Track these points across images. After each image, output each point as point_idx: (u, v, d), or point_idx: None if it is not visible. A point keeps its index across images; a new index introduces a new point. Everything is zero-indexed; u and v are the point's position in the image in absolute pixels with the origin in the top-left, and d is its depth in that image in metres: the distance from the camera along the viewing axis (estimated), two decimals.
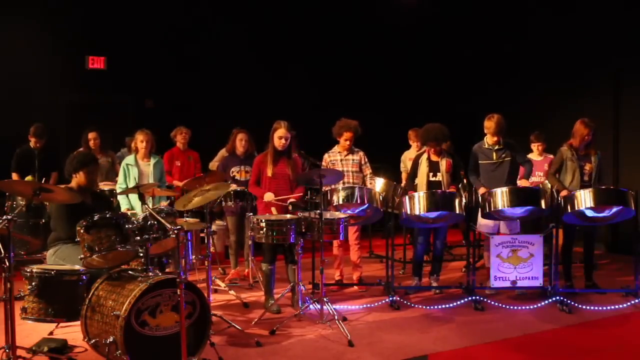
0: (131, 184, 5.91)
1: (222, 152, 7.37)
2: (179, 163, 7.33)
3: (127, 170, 6.04)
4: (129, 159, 6.16)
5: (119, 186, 6.05)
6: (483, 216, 5.83)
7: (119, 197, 5.91)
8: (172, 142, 7.48)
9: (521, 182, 5.88)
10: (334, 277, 6.31)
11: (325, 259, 5.16)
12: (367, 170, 6.18)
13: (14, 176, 7.09)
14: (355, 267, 6.30)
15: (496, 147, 5.94)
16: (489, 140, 5.99)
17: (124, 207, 5.81)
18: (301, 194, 5.61)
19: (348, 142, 6.07)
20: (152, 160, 6.17)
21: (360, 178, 6.13)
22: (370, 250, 8.11)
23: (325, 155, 6.20)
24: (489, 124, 5.90)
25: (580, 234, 6.20)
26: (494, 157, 5.95)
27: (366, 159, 6.19)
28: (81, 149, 7.09)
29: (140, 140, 6.14)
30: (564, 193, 5.68)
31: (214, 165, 7.40)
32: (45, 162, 7.22)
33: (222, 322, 4.80)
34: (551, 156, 7.07)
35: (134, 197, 5.76)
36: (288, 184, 5.51)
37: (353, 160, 6.12)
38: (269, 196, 5.40)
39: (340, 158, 6.13)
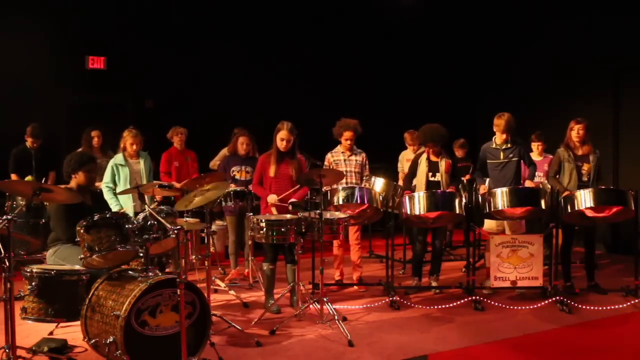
0: (121, 184, 5.88)
1: (224, 151, 7.36)
2: (177, 164, 7.33)
3: (117, 170, 5.95)
4: (118, 158, 6.05)
5: (106, 185, 5.89)
6: (485, 216, 5.83)
7: (108, 198, 5.77)
8: (169, 142, 7.48)
9: (527, 183, 5.85)
10: (334, 277, 6.31)
11: (325, 259, 5.16)
12: (365, 172, 6.23)
13: (13, 177, 7.07)
14: (356, 267, 6.31)
15: (504, 147, 5.94)
16: (497, 139, 5.98)
17: (115, 209, 5.67)
18: (306, 192, 5.62)
19: (349, 142, 6.08)
20: (141, 158, 6.14)
21: (361, 179, 6.17)
22: (370, 250, 8.11)
23: (328, 155, 6.20)
24: (499, 122, 5.90)
25: (580, 234, 6.19)
26: (501, 157, 5.94)
27: (366, 161, 6.23)
28: (80, 149, 7.07)
29: (130, 143, 6.07)
30: (565, 194, 5.66)
31: (214, 164, 7.40)
32: (42, 162, 7.20)
33: (222, 322, 4.79)
34: (550, 156, 7.05)
35: (122, 198, 5.77)
36: (290, 184, 5.50)
37: (356, 161, 6.15)
38: (272, 198, 5.41)
39: (343, 158, 6.13)
